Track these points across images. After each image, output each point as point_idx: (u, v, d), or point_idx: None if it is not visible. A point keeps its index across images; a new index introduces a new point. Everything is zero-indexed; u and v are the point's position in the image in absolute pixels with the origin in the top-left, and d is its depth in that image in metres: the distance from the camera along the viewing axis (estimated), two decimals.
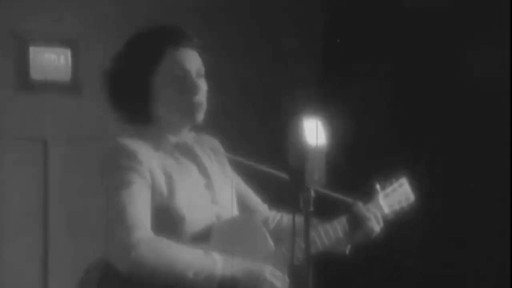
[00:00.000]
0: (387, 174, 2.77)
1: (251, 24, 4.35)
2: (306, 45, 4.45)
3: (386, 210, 2.71)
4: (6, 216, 3.97)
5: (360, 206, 2.65)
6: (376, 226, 2.64)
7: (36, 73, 3.98)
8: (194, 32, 2.47)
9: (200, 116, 2.48)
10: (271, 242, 2.48)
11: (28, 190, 4.00)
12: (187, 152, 2.54)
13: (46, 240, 4.03)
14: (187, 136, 2.56)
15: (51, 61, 4.01)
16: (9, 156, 3.96)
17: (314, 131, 2.14)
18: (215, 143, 2.66)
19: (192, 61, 2.49)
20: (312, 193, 2.16)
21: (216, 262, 2.36)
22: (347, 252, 2.66)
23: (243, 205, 2.67)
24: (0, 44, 3.93)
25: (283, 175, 2.30)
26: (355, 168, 4.18)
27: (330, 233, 2.60)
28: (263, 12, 4.36)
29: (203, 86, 2.48)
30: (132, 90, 2.47)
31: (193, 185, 2.49)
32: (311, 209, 2.17)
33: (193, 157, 2.55)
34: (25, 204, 3.99)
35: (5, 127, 3.95)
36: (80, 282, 2.42)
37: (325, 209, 2.54)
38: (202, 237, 2.44)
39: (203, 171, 2.54)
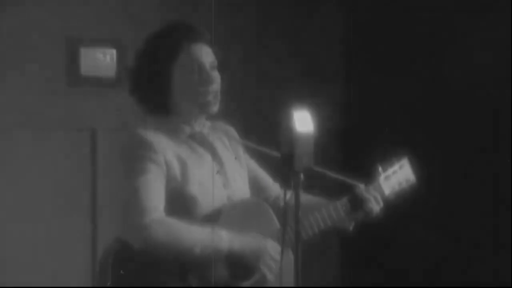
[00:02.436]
0: (389, 155, 2.89)
1: (260, 20, 4.59)
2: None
3: (387, 191, 2.82)
4: (58, 198, 4.19)
5: (361, 187, 2.77)
6: (376, 207, 2.77)
7: (85, 70, 4.25)
8: (207, 28, 2.65)
9: (215, 107, 2.63)
10: (277, 222, 2.64)
11: (79, 175, 4.26)
12: (202, 141, 2.68)
13: (94, 221, 4.27)
14: (203, 125, 2.69)
15: (99, 59, 4.27)
16: (62, 145, 4.22)
17: (304, 120, 2.26)
18: (230, 129, 2.80)
19: (206, 55, 2.63)
20: (302, 176, 2.28)
21: (221, 238, 2.51)
22: (351, 228, 2.80)
23: (255, 186, 2.81)
24: (55, 46, 4.20)
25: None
26: (358, 150, 4.35)
27: (332, 214, 2.73)
28: (271, 10, 4.60)
29: (216, 77, 2.63)
30: (152, 84, 2.61)
31: (206, 171, 2.63)
32: (301, 190, 2.29)
33: (208, 146, 2.68)
34: (76, 187, 4.25)
35: (58, 119, 4.20)
36: (100, 258, 2.60)
37: (328, 190, 2.77)
38: (213, 218, 2.57)
39: (217, 158, 2.68)
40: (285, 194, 2.33)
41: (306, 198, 2.56)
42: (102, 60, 4.29)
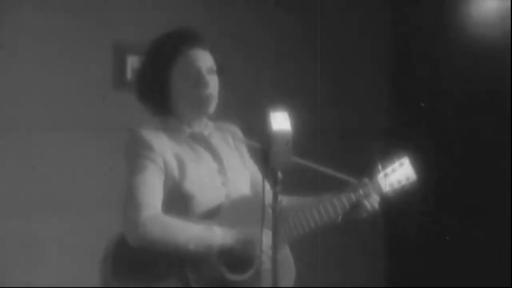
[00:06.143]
0: (389, 154, 2.97)
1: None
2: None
3: (386, 188, 2.90)
4: (102, 194, 4.43)
5: (359, 184, 2.86)
6: (373, 204, 2.85)
7: (131, 75, 4.49)
8: (205, 34, 2.78)
9: (212, 108, 2.73)
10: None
11: (123, 172, 4.46)
12: (202, 141, 2.78)
13: None
14: (204, 126, 2.79)
15: None
16: (108, 143, 4.36)
17: (282, 119, 2.35)
18: (236, 130, 2.90)
19: (203, 59, 2.75)
20: (280, 174, 2.36)
21: (215, 234, 2.58)
22: (340, 220, 2.87)
23: (254, 189, 2.87)
24: (103, 53, 4.52)
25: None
26: (359, 148, 4.32)
27: (329, 209, 2.81)
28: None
29: (213, 81, 2.74)
30: (154, 86, 2.76)
31: (204, 170, 2.72)
32: (278, 188, 2.37)
33: (208, 146, 2.78)
34: (119, 183, 4.35)
35: (104, 119, 4.46)
36: (103, 252, 2.70)
37: (329, 187, 2.87)
38: (211, 215, 2.66)
39: (217, 158, 2.77)
40: (263, 193, 2.40)
41: (299, 200, 2.69)
42: None
